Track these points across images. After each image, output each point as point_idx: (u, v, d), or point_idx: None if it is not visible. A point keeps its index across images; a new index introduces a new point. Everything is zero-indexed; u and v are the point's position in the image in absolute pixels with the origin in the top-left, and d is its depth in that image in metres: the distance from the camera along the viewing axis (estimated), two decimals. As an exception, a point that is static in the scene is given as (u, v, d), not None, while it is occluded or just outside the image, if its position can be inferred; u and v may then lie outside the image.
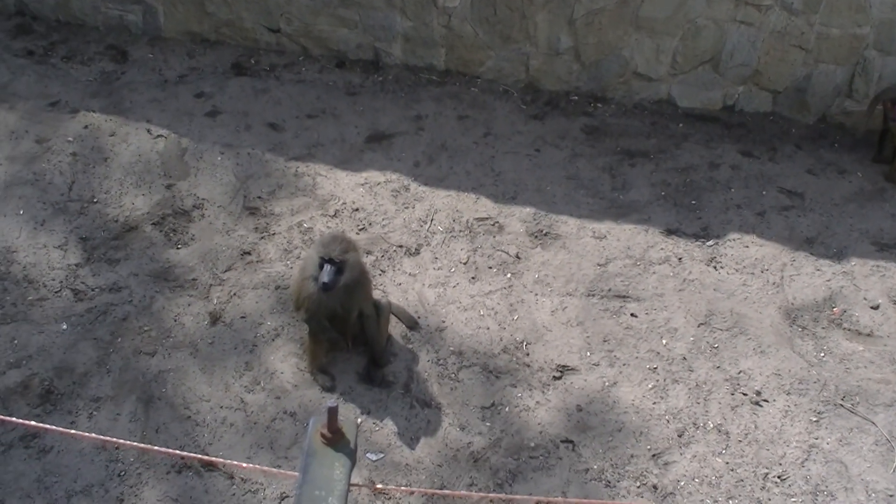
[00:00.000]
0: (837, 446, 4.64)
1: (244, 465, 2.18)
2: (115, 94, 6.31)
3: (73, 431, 2.25)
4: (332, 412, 2.15)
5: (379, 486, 2.42)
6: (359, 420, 4.70)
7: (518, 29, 6.44)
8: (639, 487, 4.44)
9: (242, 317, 5.09)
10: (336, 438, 2.17)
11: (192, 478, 4.35)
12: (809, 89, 6.52)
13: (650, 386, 4.90)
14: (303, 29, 6.67)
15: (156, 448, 2.21)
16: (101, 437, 2.38)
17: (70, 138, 5.97)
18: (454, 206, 5.79)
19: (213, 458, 2.15)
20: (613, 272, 5.45)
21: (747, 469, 4.55)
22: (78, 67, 6.50)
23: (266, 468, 2.42)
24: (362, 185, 5.86)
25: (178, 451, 2.27)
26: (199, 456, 2.45)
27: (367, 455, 4.50)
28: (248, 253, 5.41)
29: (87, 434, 2.33)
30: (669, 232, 5.69)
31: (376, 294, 5.08)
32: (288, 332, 5.04)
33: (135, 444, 2.32)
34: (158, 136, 6.02)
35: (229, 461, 2.12)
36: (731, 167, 6.14)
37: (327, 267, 4.30)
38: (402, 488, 2.47)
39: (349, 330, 4.77)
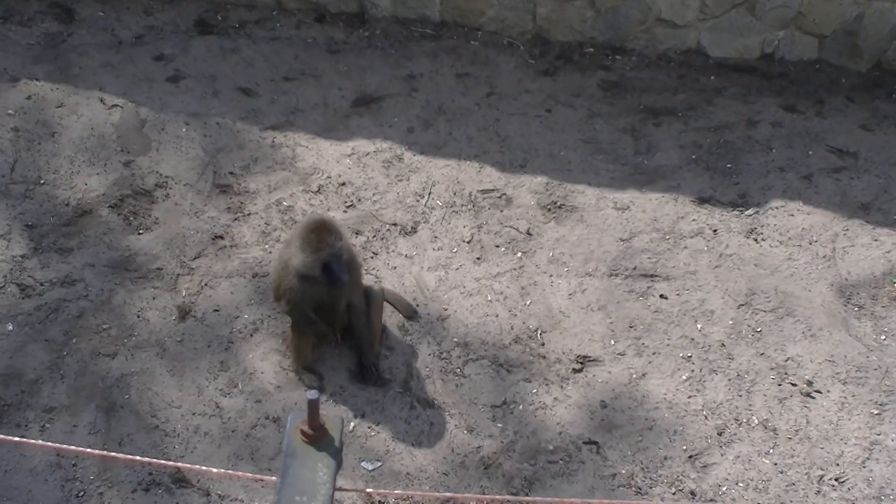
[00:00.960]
0: (901, 441, 4.63)
1: (215, 470, 2.13)
2: (62, 59, 6.23)
3: (23, 440, 2.20)
4: (313, 405, 2.13)
5: (370, 490, 2.37)
6: (352, 424, 4.68)
7: (523, -29, 6.38)
8: (674, 494, 4.43)
9: (216, 310, 5.07)
10: (318, 436, 2.16)
11: (163, 496, 4.32)
12: (861, 32, 6.40)
13: (684, 377, 4.89)
14: (276, -22, 6.59)
15: (121, 456, 2.15)
16: (58, 445, 2.34)
17: (11, 111, 5.91)
18: (455, 177, 5.77)
19: (185, 465, 2.08)
20: (639, 248, 5.42)
21: (799, 471, 4.53)
22: (17, 29, 6.42)
23: (244, 474, 2.35)
24: (349, 155, 5.83)
25: (145, 459, 2.22)
26: (171, 463, 2.38)
27: (363, 464, 4.48)
28: (221, 237, 5.38)
29: (42, 443, 2.27)
30: (702, 200, 5.66)
31: (368, 280, 5.08)
32: (268, 326, 5.02)
33: (96, 451, 2.25)
34: (113, 105, 5.96)
35: (204, 468, 2.07)
36: (772, 124, 6.09)
37: (334, 262, 4.33)
38: (397, 492, 2.42)
39: (338, 321, 4.76)
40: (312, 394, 2.15)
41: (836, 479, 4.50)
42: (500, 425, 4.69)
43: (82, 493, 4.33)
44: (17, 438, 2.29)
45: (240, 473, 2.20)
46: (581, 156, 5.92)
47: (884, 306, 5.16)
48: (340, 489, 2.17)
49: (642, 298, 5.22)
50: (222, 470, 2.34)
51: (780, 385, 4.85)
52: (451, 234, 5.49)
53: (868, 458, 4.54)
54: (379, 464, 4.48)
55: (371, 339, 4.81)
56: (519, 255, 5.40)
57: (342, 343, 4.89)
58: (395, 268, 5.33)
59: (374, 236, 5.45)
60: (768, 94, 6.31)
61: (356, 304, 4.72)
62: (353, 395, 4.78)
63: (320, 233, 4.36)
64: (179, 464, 2.53)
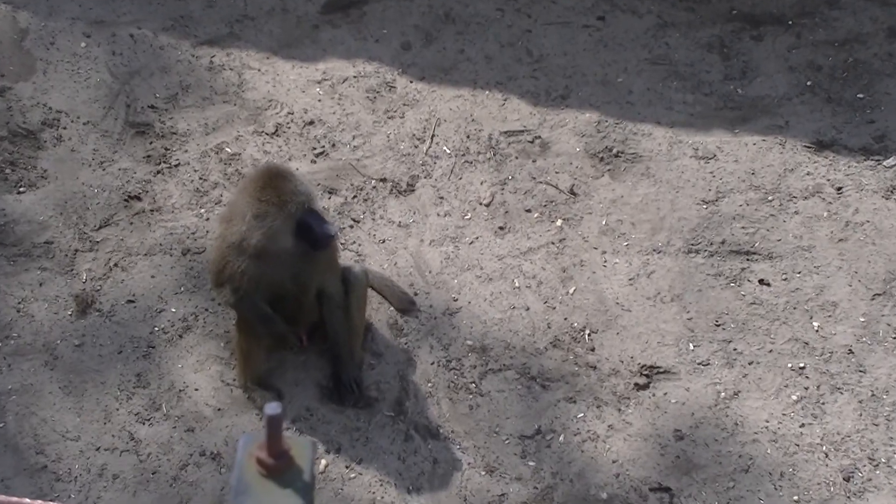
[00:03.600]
0: None
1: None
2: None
3: None
4: (274, 423, 2.16)
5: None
6: (323, 462, 4.67)
7: None
8: (780, 562, 4.48)
9: (130, 301, 5.09)
10: (282, 465, 2.19)
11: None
12: None
13: (794, 397, 4.91)
14: None
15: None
16: None
17: None
18: (468, 113, 5.78)
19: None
20: (729, 214, 5.44)
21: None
22: None
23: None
24: (318, 82, 5.84)
25: (25, 500, 2.18)
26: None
27: (338, 518, 4.54)
28: (137, 197, 5.40)
29: None
30: (821, 146, 5.69)
31: (345, 259, 5.09)
32: (205, 324, 5.04)
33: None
34: (-15, 10, 5.97)
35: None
36: (918, 38, 6.08)
37: (311, 216, 4.36)
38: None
39: (304, 317, 4.77)
40: (272, 407, 2.17)
41: None
42: (531, 464, 4.72)
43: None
44: None
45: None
46: (647, 82, 5.92)
47: None
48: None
49: (734, 285, 5.22)
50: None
51: (929, 408, 4.86)
52: (464, 194, 5.50)
53: None
54: (361, 519, 4.53)
55: (351, 342, 4.81)
56: (559, 223, 5.42)
57: (309, 347, 4.89)
58: (384, 241, 5.34)
59: (355, 197, 5.46)
60: (913, -6, 6.25)
61: (330, 293, 4.71)
62: (326, 421, 4.78)
63: (277, 183, 4.36)
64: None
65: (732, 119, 5.80)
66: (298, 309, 4.71)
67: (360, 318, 4.88)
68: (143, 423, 4.77)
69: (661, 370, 4.98)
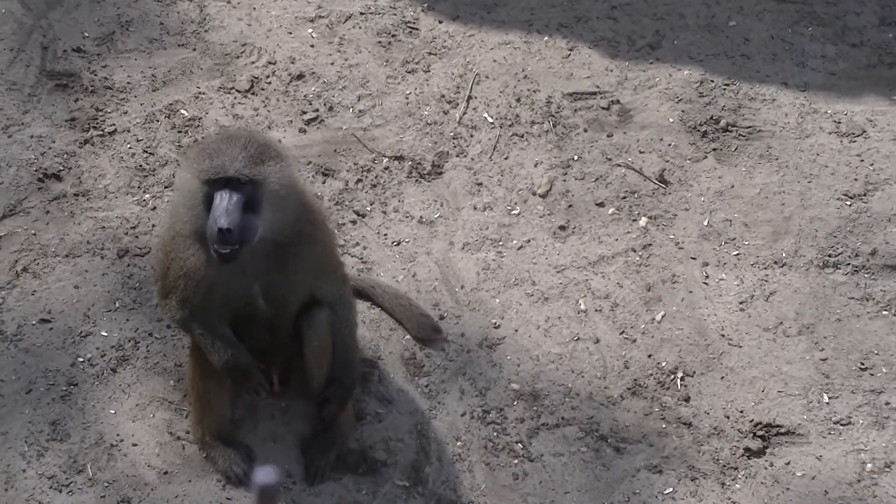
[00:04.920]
0: None
1: None
2: None
3: None
4: (266, 494, 2.22)
5: None
6: None
7: None
8: None
9: (44, 320, 5.12)
10: None
11: None
12: None
13: None
14: None
15: None
16: None
17: None
18: (519, 68, 5.85)
19: None
20: (883, 213, 5.48)
21: None
22: None
23: None
24: (311, 20, 5.95)
25: None
26: None
27: None
28: (55, 176, 5.47)
29: None
30: None
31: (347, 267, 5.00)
32: (148, 353, 5.06)
33: None
34: None
35: None
36: None
37: (222, 196, 4.28)
38: None
39: (278, 349, 4.79)
40: (264, 474, 2.22)
41: None
42: (600, 559, 4.70)
43: None
44: None
45: None
46: (770, 27, 5.98)
47: None
48: None
49: (887, 313, 5.23)
50: None
51: None
52: (511, 180, 5.55)
53: None
54: None
55: (345, 380, 4.81)
56: (643, 222, 5.46)
57: (281, 393, 4.91)
58: (399, 243, 5.37)
59: (360, 181, 5.52)
60: None
61: (318, 316, 4.71)
62: (315, 494, 4.79)
63: (226, 140, 4.38)
64: None
65: (890, 80, 5.86)
66: (271, 336, 4.71)
67: (353, 349, 4.87)
68: (60, 491, 4.75)
69: (783, 430, 4.97)
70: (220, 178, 4.33)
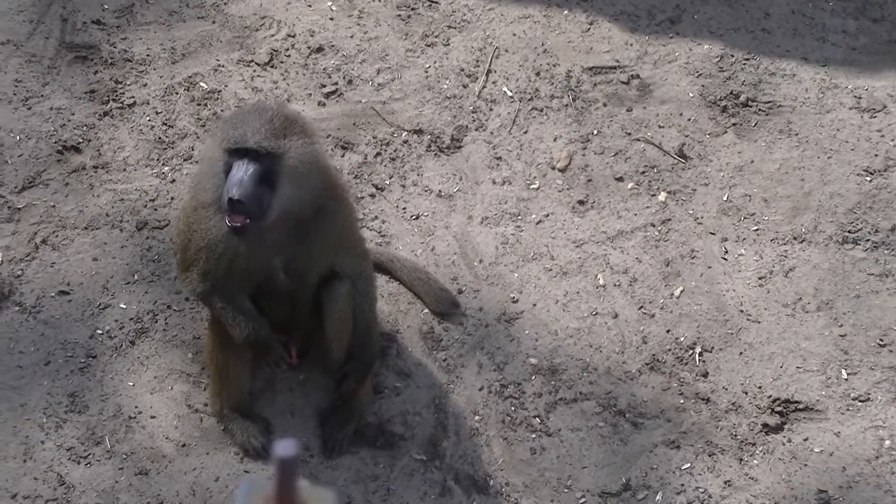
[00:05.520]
0: None
1: None
2: None
3: None
4: (287, 469, 2.20)
5: None
6: None
7: None
8: None
9: (63, 292, 5.14)
10: None
11: None
12: None
13: None
14: None
15: None
16: None
17: None
18: (539, 41, 5.84)
19: None
20: None
21: None
22: None
23: None
24: None
25: None
26: None
27: None
28: (75, 148, 5.47)
29: None
30: None
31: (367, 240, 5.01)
32: (167, 326, 5.09)
33: None
34: None
35: None
36: None
37: (238, 166, 4.32)
38: None
39: (298, 323, 4.80)
40: (285, 447, 2.21)
41: None
42: (617, 534, 4.72)
43: None
44: None
45: None
46: (790, 2, 5.96)
47: None
48: None
49: None
50: None
51: None
52: (530, 154, 5.55)
53: None
54: None
55: (364, 355, 4.83)
56: (662, 197, 5.46)
57: (300, 366, 4.93)
58: (417, 217, 5.37)
59: (379, 154, 5.52)
60: None
61: (339, 289, 4.72)
62: (332, 467, 4.80)
63: (252, 112, 4.40)
64: None
65: None
66: (291, 309, 4.73)
67: (373, 323, 4.89)
68: (78, 463, 4.77)
69: (802, 406, 4.98)
70: (239, 148, 4.34)
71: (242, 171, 4.32)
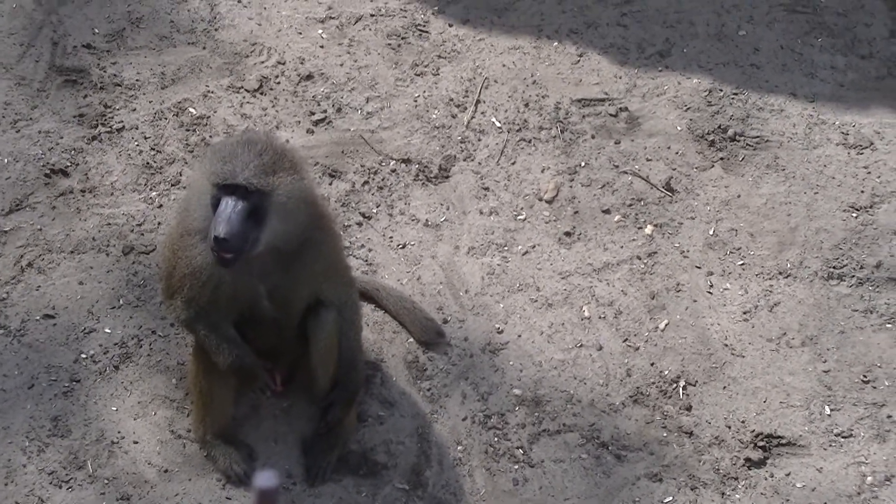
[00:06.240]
0: None
1: None
2: None
3: None
4: (266, 499, 2.24)
5: None
6: None
7: None
8: None
9: (48, 315, 5.12)
10: None
11: None
12: None
13: None
14: None
15: None
16: None
17: None
18: (529, 73, 5.83)
19: None
20: (889, 226, 5.46)
21: None
22: None
23: None
24: (321, 21, 5.94)
25: None
26: None
27: None
28: (63, 172, 5.45)
29: None
30: None
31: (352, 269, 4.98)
32: (151, 351, 5.06)
33: None
34: None
35: None
36: None
37: (227, 203, 4.30)
38: None
39: (283, 350, 4.79)
40: (265, 478, 2.22)
41: None
42: (598, 567, 4.69)
43: None
44: None
45: None
46: (780, 37, 5.96)
47: None
48: None
49: (891, 326, 5.20)
50: None
51: None
52: (517, 185, 5.54)
53: None
54: None
55: (349, 384, 4.82)
56: (648, 230, 5.45)
57: (286, 393, 4.93)
58: (404, 246, 5.36)
59: (367, 183, 5.51)
60: None
61: (325, 317, 4.71)
62: (315, 495, 4.79)
63: (242, 145, 4.37)
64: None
65: None
66: (276, 337, 4.71)
67: (358, 351, 4.86)
68: (60, 487, 4.75)
69: (784, 441, 4.96)
70: (228, 184, 4.32)
71: (231, 208, 4.30)
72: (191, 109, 5.67)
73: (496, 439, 4.96)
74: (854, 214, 5.51)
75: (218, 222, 4.26)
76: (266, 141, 4.45)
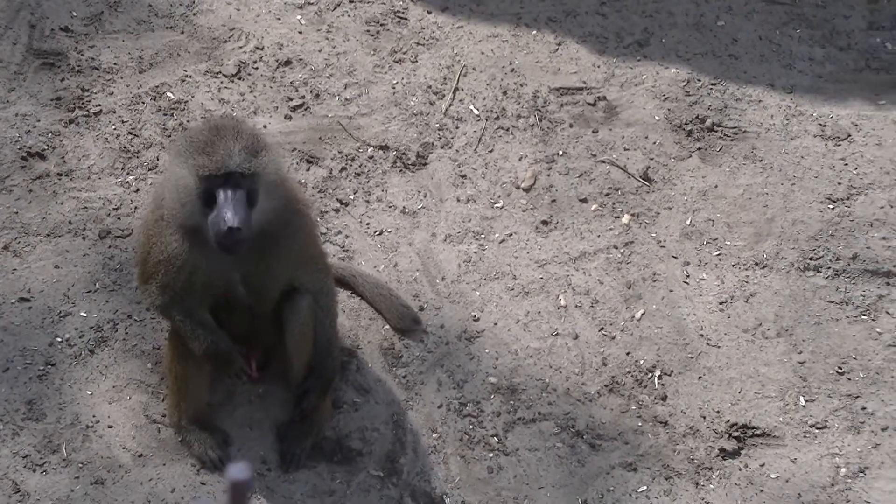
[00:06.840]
0: None
1: None
2: None
3: None
4: (238, 492, 2.21)
5: None
6: None
7: None
8: None
9: (23, 299, 5.11)
10: None
11: None
12: None
13: None
14: None
15: None
16: None
17: None
18: (507, 61, 5.83)
19: None
20: (865, 218, 5.46)
21: None
22: None
23: None
24: (300, 6, 5.93)
25: None
26: None
27: None
28: (39, 155, 5.44)
29: None
30: None
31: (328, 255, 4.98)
32: (126, 335, 5.05)
33: None
34: None
35: None
36: None
37: (227, 194, 4.29)
38: None
39: (258, 336, 4.79)
40: (238, 470, 2.20)
41: None
42: (572, 555, 4.70)
43: None
44: None
45: None
46: (759, 28, 5.96)
47: None
48: None
49: (867, 318, 5.21)
50: None
51: None
52: (495, 173, 5.54)
53: None
54: None
55: (324, 371, 4.80)
56: (625, 219, 5.44)
57: (262, 379, 4.91)
58: (381, 233, 5.35)
59: (344, 169, 5.50)
60: None
61: (300, 303, 4.70)
62: (289, 481, 4.77)
63: (218, 133, 4.37)
64: None
65: (877, 85, 5.82)
66: (251, 323, 4.71)
67: (334, 338, 4.85)
68: (34, 471, 4.74)
69: (759, 432, 4.97)
70: (220, 174, 4.31)
71: (232, 197, 4.30)
72: (168, 94, 5.65)
73: (471, 427, 4.95)
74: (831, 206, 5.52)
75: (225, 214, 4.27)
76: (236, 124, 4.45)
